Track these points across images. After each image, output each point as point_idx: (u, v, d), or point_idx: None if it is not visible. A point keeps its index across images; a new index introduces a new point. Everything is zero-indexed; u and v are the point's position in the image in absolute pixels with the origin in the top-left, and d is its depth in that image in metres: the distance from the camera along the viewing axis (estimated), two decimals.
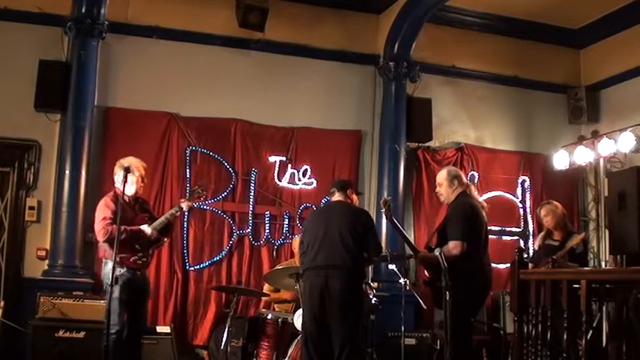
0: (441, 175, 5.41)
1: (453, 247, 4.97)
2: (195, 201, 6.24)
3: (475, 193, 5.52)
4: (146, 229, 5.51)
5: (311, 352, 4.97)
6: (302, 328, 5.18)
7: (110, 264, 5.30)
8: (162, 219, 5.68)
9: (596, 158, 8.21)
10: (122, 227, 5.25)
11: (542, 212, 6.26)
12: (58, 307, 6.01)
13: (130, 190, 5.55)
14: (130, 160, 5.55)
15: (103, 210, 5.41)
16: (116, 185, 5.62)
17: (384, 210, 5.47)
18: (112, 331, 5.27)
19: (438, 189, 5.44)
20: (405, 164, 7.83)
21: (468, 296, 4.88)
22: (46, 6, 6.91)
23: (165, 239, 5.85)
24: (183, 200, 5.91)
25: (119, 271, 5.31)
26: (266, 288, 6.66)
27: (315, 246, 5.12)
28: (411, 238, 7.84)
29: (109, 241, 5.30)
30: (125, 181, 5.36)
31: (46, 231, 6.78)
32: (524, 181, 8.52)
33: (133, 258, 5.44)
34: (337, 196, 5.43)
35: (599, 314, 4.13)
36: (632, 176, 6.69)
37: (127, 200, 5.57)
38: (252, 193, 7.48)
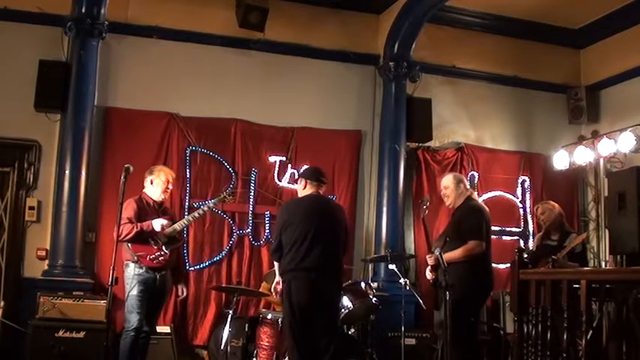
0: (448, 179, 5.66)
1: (475, 246, 5.19)
2: (220, 206, 6.47)
3: (475, 195, 5.79)
4: (155, 223, 5.61)
5: (300, 344, 4.93)
6: (289, 325, 4.99)
7: (131, 266, 5.53)
8: (189, 217, 6.01)
9: (596, 158, 8.20)
10: (133, 225, 5.51)
11: (539, 211, 6.43)
12: (58, 307, 6.01)
13: (156, 193, 5.80)
14: (160, 168, 5.99)
15: (125, 210, 5.52)
16: (144, 190, 5.85)
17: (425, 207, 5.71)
18: (130, 328, 5.39)
19: (444, 192, 5.63)
20: (405, 164, 7.81)
21: (473, 295, 4.98)
22: (46, 6, 6.90)
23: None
24: (208, 203, 6.05)
25: (137, 270, 5.49)
26: (263, 287, 6.66)
27: (303, 244, 4.96)
28: (411, 239, 7.87)
29: (124, 240, 5.49)
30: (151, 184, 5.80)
31: (46, 231, 6.78)
32: (524, 181, 8.50)
33: (149, 257, 5.52)
34: (314, 188, 5.25)
35: (599, 314, 4.13)
36: (632, 176, 6.70)
37: (151, 204, 5.78)
38: (252, 193, 7.47)
